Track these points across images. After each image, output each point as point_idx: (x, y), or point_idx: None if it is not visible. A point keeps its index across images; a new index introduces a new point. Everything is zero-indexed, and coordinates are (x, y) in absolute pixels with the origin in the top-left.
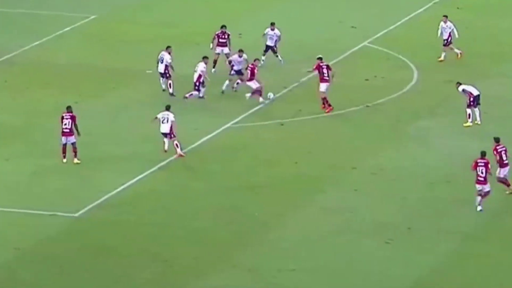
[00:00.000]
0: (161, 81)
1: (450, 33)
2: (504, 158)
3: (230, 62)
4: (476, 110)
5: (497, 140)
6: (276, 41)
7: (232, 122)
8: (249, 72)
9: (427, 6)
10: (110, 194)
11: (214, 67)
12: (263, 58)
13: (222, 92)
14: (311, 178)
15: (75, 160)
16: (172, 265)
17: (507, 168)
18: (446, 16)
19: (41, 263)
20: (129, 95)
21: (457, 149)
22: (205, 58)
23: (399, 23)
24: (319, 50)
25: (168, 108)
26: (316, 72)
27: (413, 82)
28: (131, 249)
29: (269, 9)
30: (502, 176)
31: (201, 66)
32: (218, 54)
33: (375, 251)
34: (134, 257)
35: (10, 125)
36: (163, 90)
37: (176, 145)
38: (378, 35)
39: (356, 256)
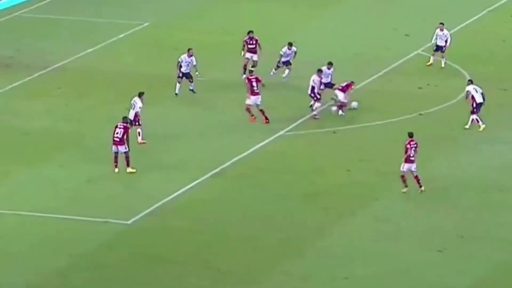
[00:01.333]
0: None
1: (446, 40)
2: (412, 154)
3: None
4: (474, 115)
5: (410, 135)
6: (292, 57)
7: (285, 130)
8: (344, 85)
9: (481, 14)
10: (162, 202)
11: (244, 72)
12: (274, 71)
13: (310, 106)
14: (363, 186)
15: (128, 169)
16: (224, 273)
17: (413, 165)
18: (443, 24)
19: (93, 270)
20: (182, 102)
21: (510, 158)
22: (319, 71)
23: (452, 31)
24: (372, 58)
25: (139, 95)
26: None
27: None
28: (183, 257)
29: (322, 17)
30: (406, 170)
31: (314, 78)
32: (248, 59)
33: (427, 259)
34: (186, 264)
35: (64, 131)
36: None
37: (139, 133)
38: (432, 43)
39: (408, 264)
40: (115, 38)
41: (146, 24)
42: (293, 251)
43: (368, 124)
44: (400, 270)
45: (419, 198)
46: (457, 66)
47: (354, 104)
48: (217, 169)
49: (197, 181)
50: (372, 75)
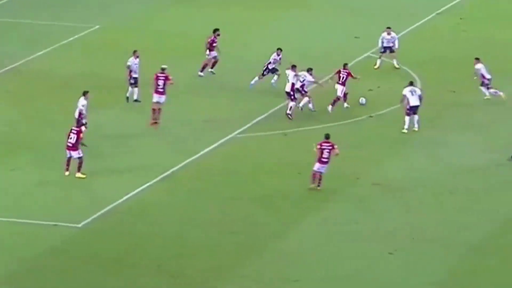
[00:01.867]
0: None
1: (394, 42)
2: (326, 155)
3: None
4: (415, 117)
5: (326, 137)
6: (278, 63)
7: (236, 132)
8: (344, 77)
9: (430, 16)
10: (113, 205)
11: (212, 67)
12: (257, 79)
13: (301, 109)
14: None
15: (77, 174)
16: (177, 276)
17: (325, 166)
18: (390, 28)
19: (44, 273)
20: (133, 105)
21: (461, 160)
22: (294, 66)
23: (402, 33)
24: (323, 59)
25: (83, 94)
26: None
27: None
28: (135, 260)
29: (275, 20)
30: (317, 169)
31: (291, 75)
32: (216, 57)
33: (381, 262)
34: (139, 268)
35: (14, 135)
36: (135, 100)
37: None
38: (378, 47)
39: (361, 266)
40: (65, 41)
41: (97, 27)
42: (247, 254)
43: (318, 126)
44: (354, 273)
45: (372, 200)
46: (406, 68)
47: (363, 100)
48: (169, 172)
49: (148, 184)
50: (323, 77)
